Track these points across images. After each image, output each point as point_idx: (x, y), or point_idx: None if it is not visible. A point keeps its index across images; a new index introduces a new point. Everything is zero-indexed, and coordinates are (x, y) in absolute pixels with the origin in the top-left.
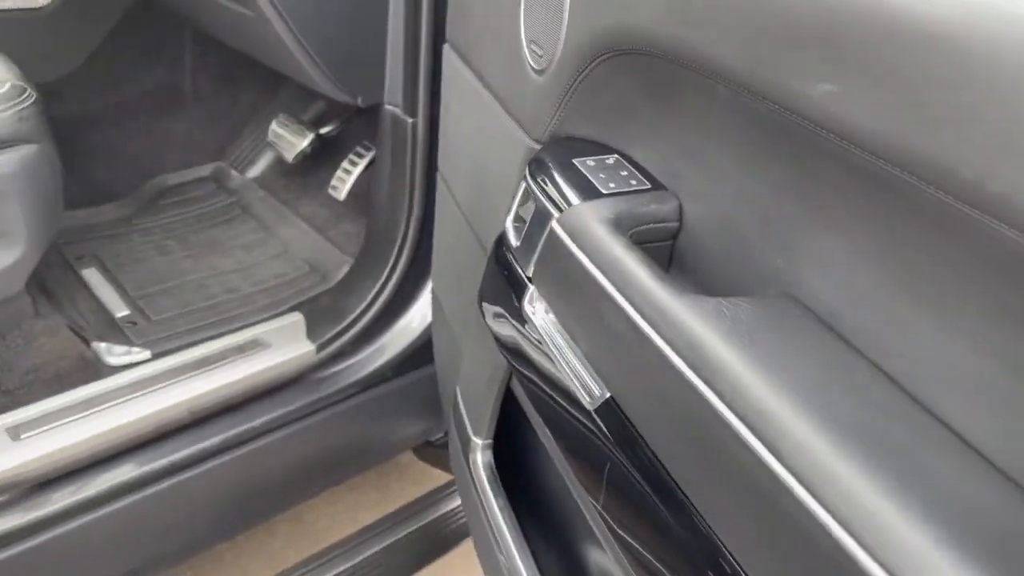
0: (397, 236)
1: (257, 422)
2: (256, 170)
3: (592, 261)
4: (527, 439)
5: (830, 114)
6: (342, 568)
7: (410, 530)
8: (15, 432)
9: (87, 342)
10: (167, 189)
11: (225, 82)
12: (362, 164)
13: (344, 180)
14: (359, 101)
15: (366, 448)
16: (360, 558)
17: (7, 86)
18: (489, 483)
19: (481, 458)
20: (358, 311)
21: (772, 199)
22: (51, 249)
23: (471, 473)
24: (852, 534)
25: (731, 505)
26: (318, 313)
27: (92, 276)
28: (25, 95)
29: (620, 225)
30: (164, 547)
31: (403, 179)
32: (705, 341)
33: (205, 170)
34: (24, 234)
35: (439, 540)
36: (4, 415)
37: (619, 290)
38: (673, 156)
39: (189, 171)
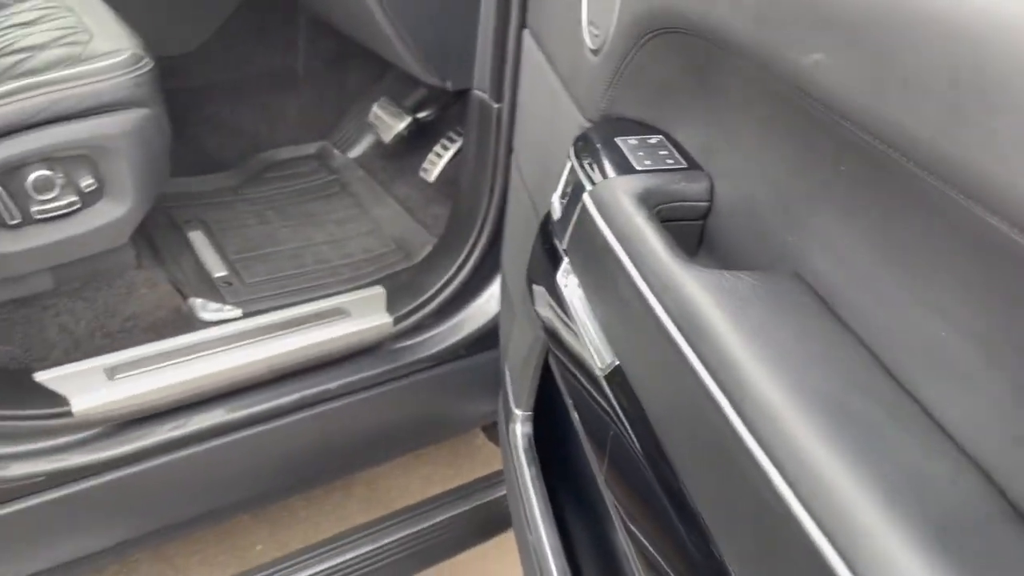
0: (477, 219)
1: (333, 385)
2: (357, 151)
3: (612, 231)
4: (563, 415)
5: (817, 83)
6: (408, 532)
7: (475, 504)
8: (111, 372)
9: (185, 297)
10: (274, 163)
11: (334, 65)
12: (453, 149)
13: (435, 163)
14: (448, 85)
15: (435, 421)
16: (425, 524)
17: (127, 54)
18: (524, 452)
19: (520, 428)
20: (436, 288)
21: (786, 178)
22: (162, 211)
23: (509, 442)
24: (797, 494)
25: (703, 467)
26: (399, 288)
27: (197, 238)
28: (142, 63)
29: (647, 200)
30: (238, 493)
31: (486, 163)
32: (697, 308)
33: (311, 148)
34: (131, 191)
35: (502, 517)
36: (103, 356)
37: (631, 259)
38: (708, 136)
39: (296, 148)
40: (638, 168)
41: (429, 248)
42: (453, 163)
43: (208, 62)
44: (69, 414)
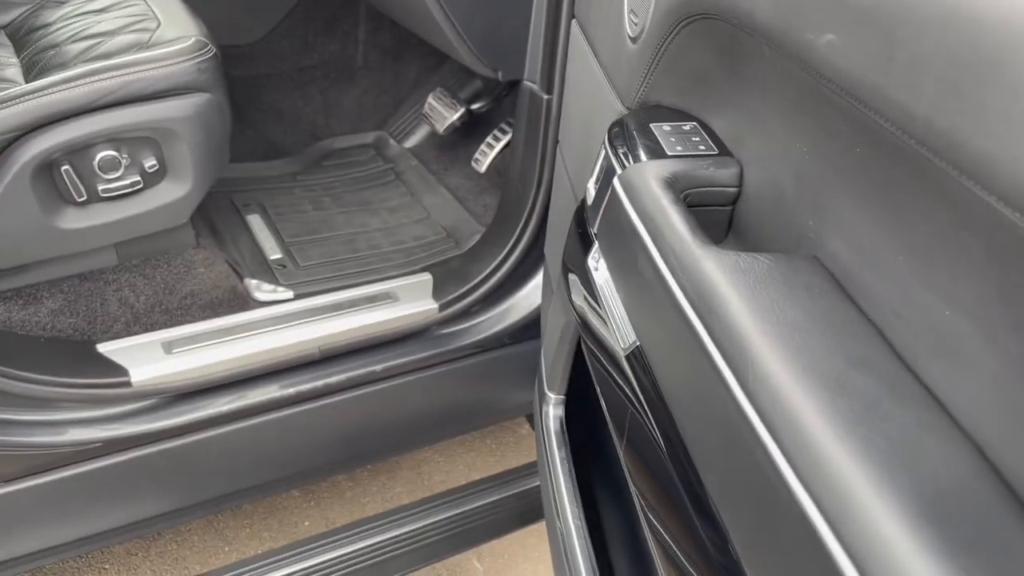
0: (525, 209)
1: (379, 367)
2: (412, 140)
3: (637, 213)
4: (595, 400)
5: (830, 64)
6: (449, 514)
7: (516, 491)
8: (168, 346)
9: (241, 277)
10: (332, 152)
11: (392, 56)
12: (504, 140)
13: (486, 154)
14: (500, 76)
15: (478, 408)
16: (466, 508)
17: (191, 40)
18: (556, 435)
19: (552, 411)
20: (482, 276)
21: (808, 162)
22: (223, 194)
23: (542, 424)
24: (793, 466)
25: (712, 444)
26: (446, 275)
27: (255, 221)
28: (206, 49)
29: (675, 184)
30: (287, 468)
31: (535, 154)
32: (710, 287)
33: (368, 137)
34: (191, 173)
35: (541, 505)
36: (161, 331)
37: (652, 239)
38: (739, 123)
39: (354, 137)
40: (669, 153)
41: (478, 237)
42: (504, 154)
43: (272, 51)
44: (128, 384)
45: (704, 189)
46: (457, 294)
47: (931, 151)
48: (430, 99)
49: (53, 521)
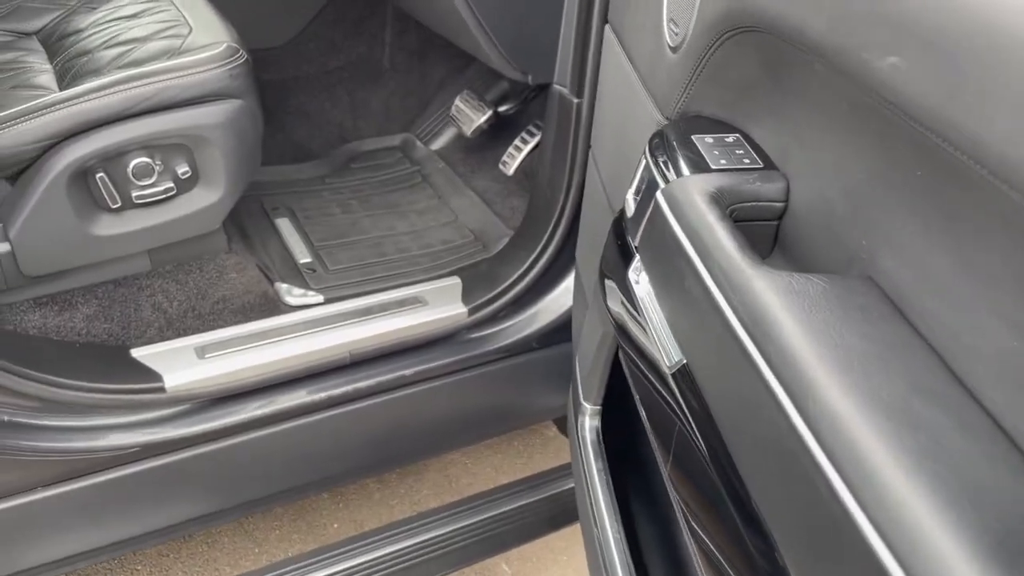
0: (554, 213)
1: (408, 371)
2: (439, 143)
3: (683, 230)
4: (632, 410)
5: (893, 87)
6: (478, 518)
7: (545, 495)
8: (201, 351)
9: (271, 281)
10: (359, 154)
11: (419, 59)
12: (532, 143)
13: (514, 157)
14: (529, 79)
15: (508, 412)
16: (495, 512)
17: (223, 47)
18: (592, 446)
19: (588, 422)
20: (511, 280)
21: (862, 180)
22: (252, 198)
23: (578, 435)
24: (857, 499)
25: (766, 468)
26: (475, 279)
27: (284, 225)
28: (237, 55)
29: (720, 199)
30: (317, 472)
31: (564, 158)
32: (764, 310)
33: (395, 139)
34: (224, 179)
35: (571, 509)
36: (194, 336)
37: (701, 258)
38: (785, 136)
39: (381, 139)
40: (713, 167)
41: (506, 240)
42: (532, 157)
43: (299, 54)
44: (162, 390)
45: (750, 204)
46: (486, 298)
47: (1005, 182)
48: (457, 101)
49: (89, 525)
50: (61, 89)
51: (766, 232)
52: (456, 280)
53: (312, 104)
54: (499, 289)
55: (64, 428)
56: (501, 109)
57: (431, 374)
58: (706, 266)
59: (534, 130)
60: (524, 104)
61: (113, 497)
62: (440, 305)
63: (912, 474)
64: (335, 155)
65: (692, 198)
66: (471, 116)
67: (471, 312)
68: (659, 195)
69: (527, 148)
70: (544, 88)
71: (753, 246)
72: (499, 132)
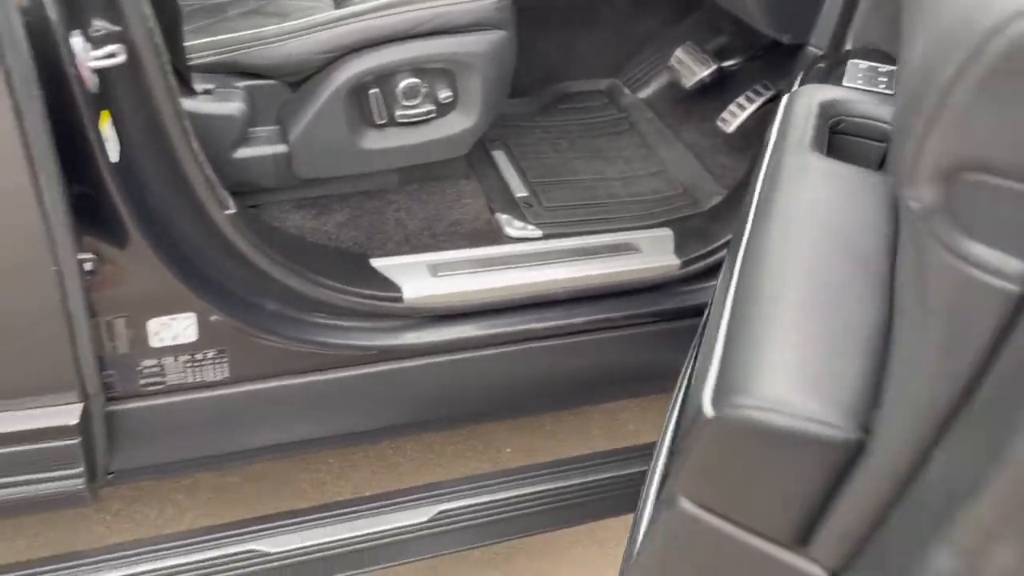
0: None
1: (617, 314)
2: (647, 92)
3: (779, 125)
4: None
5: None
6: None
7: None
8: (434, 269)
9: (492, 211)
10: (566, 95)
11: (634, 5)
12: (758, 102)
13: (736, 114)
14: (785, 39)
15: None
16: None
17: None
18: None
19: None
20: (726, 239)
21: None
22: None
23: None
24: None
25: None
26: (687, 232)
27: (500, 158)
28: None
29: (830, 108)
30: (517, 399)
31: None
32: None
33: (601, 84)
34: (479, 106)
35: None
36: (428, 253)
37: (776, 147)
38: None
39: (588, 82)
40: (845, 84)
41: (718, 198)
42: (753, 116)
43: None
44: (400, 300)
45: (859, 120)
46: (699, 253)
47: None
48: (678, 52)
49: (316, 417)
50: (337, 7)
51: (871, 151)
52: (668, 232)
53: (527, 41)
54: (713, 246)
55: (319, 324)
56: (725, 64)
57: (639, 320)
58: (775, 152)
59: (761, 89)
60: (748, 61)
61: (344, 394)
62: (653, 254)
63: None
64: (542, 94)
65: (802, 102)
66: (693, 68)
67: (683, 264)
68: (785, 98)
69: (752, 107)
70: (772, 48)
71: (855, 160)
72: (714, 87)
